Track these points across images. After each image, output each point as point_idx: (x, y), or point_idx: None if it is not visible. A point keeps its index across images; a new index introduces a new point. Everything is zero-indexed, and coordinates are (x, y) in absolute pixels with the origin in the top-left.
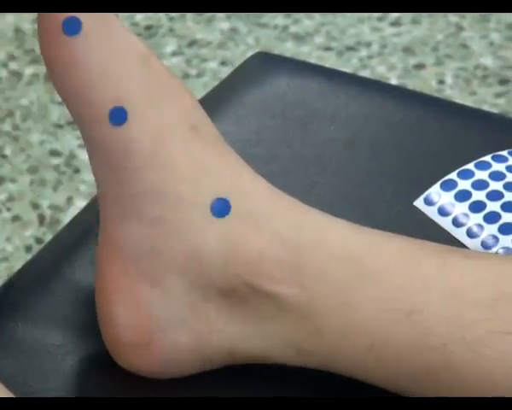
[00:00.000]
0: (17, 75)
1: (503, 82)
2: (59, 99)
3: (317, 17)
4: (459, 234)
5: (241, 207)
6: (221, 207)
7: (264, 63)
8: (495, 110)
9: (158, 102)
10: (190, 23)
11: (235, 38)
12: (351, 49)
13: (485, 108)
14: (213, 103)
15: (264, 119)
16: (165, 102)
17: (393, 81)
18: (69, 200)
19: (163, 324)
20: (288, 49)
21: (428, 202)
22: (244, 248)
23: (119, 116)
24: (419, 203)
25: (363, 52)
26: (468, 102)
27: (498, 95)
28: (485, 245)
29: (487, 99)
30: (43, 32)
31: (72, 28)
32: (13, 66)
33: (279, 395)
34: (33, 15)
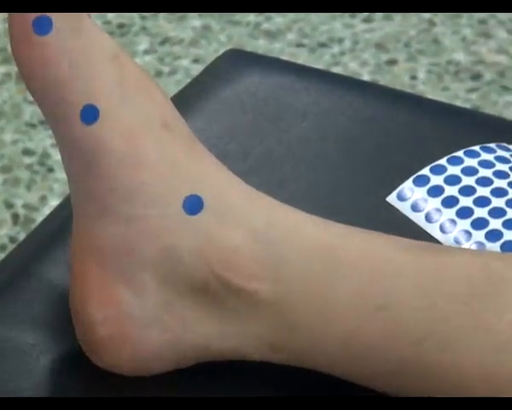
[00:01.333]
0: None
1: (476, 77)
2: (31, 98)
3: (289, 14)
4: (432, 229)
5: (214, 204)
6: (193, 205)
7: (237, 60)
8: (467, 105)
9: (130, 100)
10: (162, 21)
11: (207, 35)
12: (323, 45)
13: (458, 103)
14: (185, 101)
15: (237, 116)
16: (137, 100)
17: (366, 77)
18: (43, 199)
19: (137, 322)
20: (261, 46)
21: (401, 197)
22: (217, 244)
23: (90, 115)
24: (392, 199)
25: (336, 48)
26: (441, 97)
27: (471, 90)
28: (457, 240)
29: (460, 94)
30: (14, 32)
31: (43, 27)
32: None
33: (278, 396)
34: (4, 15)
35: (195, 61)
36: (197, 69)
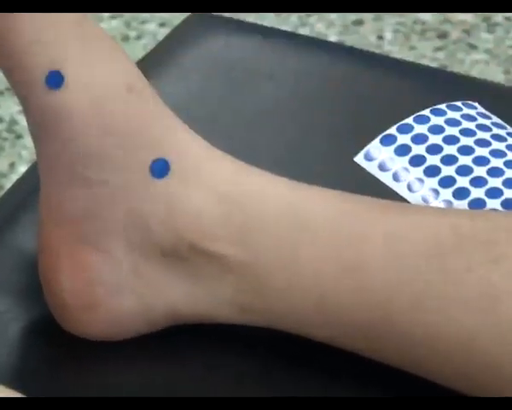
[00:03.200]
0: None
1: (442, 36)
2: None
3: None
4: (400, 189)
5: (181, 167)
6: (160, 168)
7: (202, 24)
8: (434, 64)
9: (95, 65)
10: None
11: None
12: None
13: (425, 62)
14: (151, 65)
15: (203, 79)
16: (102, 64)
17: (332, 38)
18: (11, 166)
19: (107, 286)
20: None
21: (368, 157)
22: (184, 207)
23: (55, 80)
24: (359, 159)
25: None
26: (408, 56)
27: (438, 49)
28: (425, 199)
29: (427, 53)
30: None
31: None
32: None
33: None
34: None
35: (162, 24)
36: (164, 33)
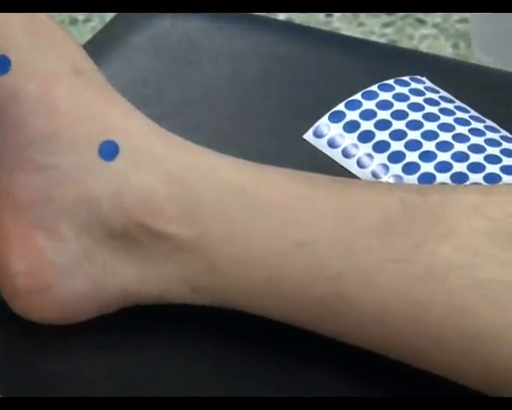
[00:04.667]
0: None
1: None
2: None
3: None
4: (349, 165)
5: (130, 149)
6: (109, 150)
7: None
8: (383, 40)
9: (41, 49)
10: None
11: None
12: None
13: (374, 38)
14: (98, 48)
15: (150, 60)
16: (49, 48)
17: (281, 16)
18: None
19: (58, 269)
20: None
21: (318, 134)
22: (133, 189)
23: (2, 64)
24: (308, 136)
25: None
26: (357, 33)
27: (386, 25)
28: (375, 174)
29: (375, 30)
30: None
31: None
32: None
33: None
34: None
35: None
36: (112, 16)
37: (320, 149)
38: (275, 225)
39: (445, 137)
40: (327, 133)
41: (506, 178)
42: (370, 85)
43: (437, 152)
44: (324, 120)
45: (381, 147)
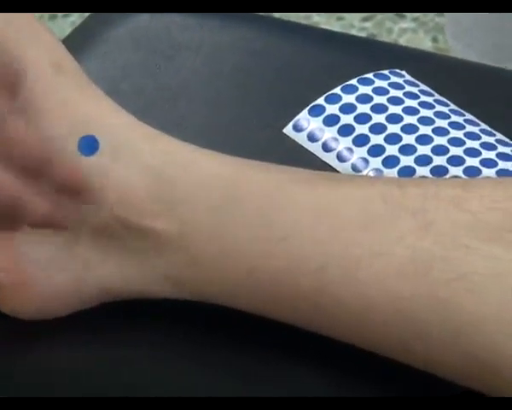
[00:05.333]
0: None
1: None
2: None
3: None
4: (329, 159)
5: (110, 144)
6: (89, 145)
7: None
8: (363, 34)
9: (18, 42)
10: None
11: None
12: None
13: (353, 32)
14: (77, 43)
15: (129, 54)
16: (26, 41)
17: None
18: None
19: (37, 264)
20: None
21: (297, 128)
22: (114, 183)
23: None
24: (288, 130)
25: None
26: (336, 27)
27: (365, 19)
28: (355, 168)
29: (355, 24)
30: None
31: None
32: None
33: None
34: None
35: None
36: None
37: (300, 142)
38: (256, 220)
39: (425, 130)
40: (306, 127)
41: (486, 172)
42: (350, 79)
43: (417, 145)
44: (304, 113)
45: (360, 141)
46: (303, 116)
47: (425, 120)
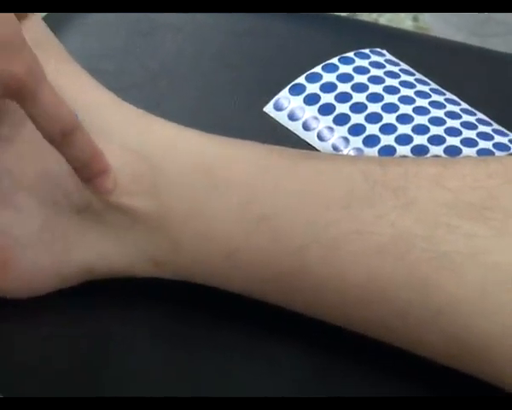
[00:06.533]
0: None
1: None
2: None
3: None
4: (310, 137)
5: (90, 123)
6: None
7: None
8: (343, 14)
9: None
10: None
11: None
12: None
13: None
14: (57, 21)
15: (110, 34)
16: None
17: None
18: None
19: (18, 242)
20: None
21: (278, 107)
22: None
23: None
24: (269, 109)
25: None
26: None
27: None
28: (336, 147)
29: None
30: None
31: None
32: None
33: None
34: None
35: None
36: None
37: (280, 122)
38: (235, 200)
39: (406, 109)
40: (287, 106)
41: (466, 151)
42: (331, 58)
43: (397, 125)
44: (284, 92)
45: (341, 120)
46: (283, 95)
47: (406, 100)
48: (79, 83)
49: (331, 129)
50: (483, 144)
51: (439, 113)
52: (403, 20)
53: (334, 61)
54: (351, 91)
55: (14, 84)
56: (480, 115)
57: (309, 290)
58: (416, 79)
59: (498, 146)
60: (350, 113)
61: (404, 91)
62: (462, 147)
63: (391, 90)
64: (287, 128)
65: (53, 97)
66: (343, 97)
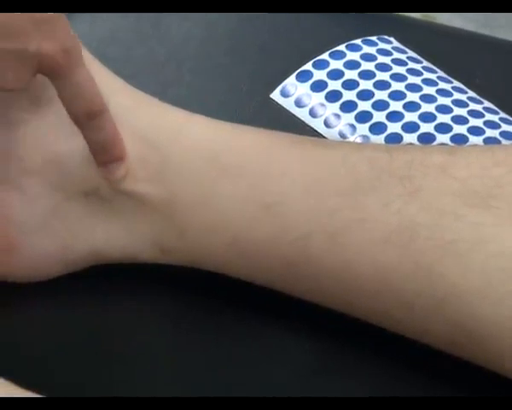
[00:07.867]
0: None
1: None
2: None
3: None
4: (316, 124)
5: None
6: None
7: None
8: None
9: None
10: None
11: None
12: None
13: None
14: None
15: (117, 19)
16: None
17: None
18: None
19: (24, 228)
20: None
21: (285, 93)
22: None
23: None
24: (275, 95)
25: None
26: None
27: None
28: (342, 134)
29: None
30: None
31: None
32: None
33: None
34: None
35: None
36: None
37: (287, 108)
38: (241, 187)
39: (413, 97)
40: (294, 93)
41: (473, 139)
42: (338, 45)
43: (404, 112)
44: (291, 79)
45: (348, 107)
46: (290, 81)
47: (413, 87)
48: (91, 70)
49: (338, 116)
50: (490, 133)
51: (446, 101)
52: None
53: (342, 48)
54: (358, 78)
55: (49, 61)
56: (487, 104)
57: (313, 279)
58: (423, 67)
59: (505, 135)
60: (357, 100)
61: (412, 79)
62: (468, 135)
63: (398, 77)
64: (293, 115)
65: (87, 79)
66: (350, 84)
